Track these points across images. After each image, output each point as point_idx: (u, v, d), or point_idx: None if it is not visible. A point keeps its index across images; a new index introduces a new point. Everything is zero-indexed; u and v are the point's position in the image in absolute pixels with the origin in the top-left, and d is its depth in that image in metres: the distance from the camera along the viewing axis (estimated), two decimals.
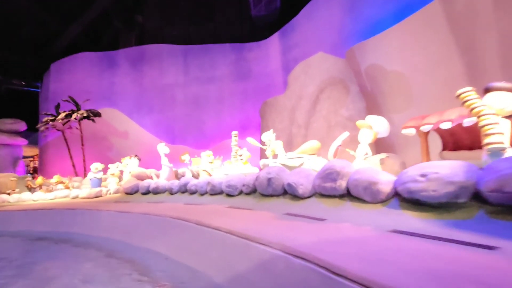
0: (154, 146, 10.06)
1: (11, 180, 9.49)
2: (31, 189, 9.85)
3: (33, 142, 17.70)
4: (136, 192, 6.99)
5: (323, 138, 7.20)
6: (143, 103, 14.24)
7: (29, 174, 14.73)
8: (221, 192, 5.11)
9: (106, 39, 17.22)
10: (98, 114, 12.02)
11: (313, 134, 8.30)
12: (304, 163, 5.95)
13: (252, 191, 4.52)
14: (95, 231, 5.18)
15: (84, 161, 11.99)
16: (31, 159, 20.08)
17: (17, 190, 9.31)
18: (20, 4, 15.98)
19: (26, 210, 6.54)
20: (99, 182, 9.23)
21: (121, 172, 9.60)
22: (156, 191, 6.43)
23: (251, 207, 3.94)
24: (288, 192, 3.78)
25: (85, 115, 11.43)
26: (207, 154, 7.79)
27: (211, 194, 5.20)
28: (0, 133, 12.75)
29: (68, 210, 5.91)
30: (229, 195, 4.83)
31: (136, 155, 10.13)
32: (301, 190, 3.45)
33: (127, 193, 7.08)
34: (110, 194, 8.38)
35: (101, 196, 8.04)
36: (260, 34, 13.92)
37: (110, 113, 13.66)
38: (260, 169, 6.67)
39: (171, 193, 6.15)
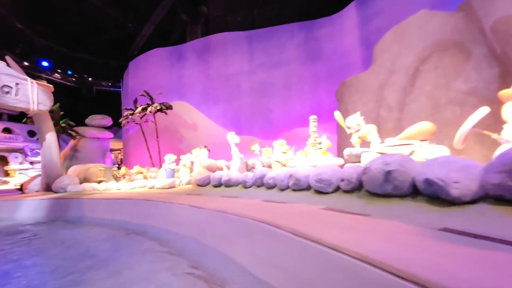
0: (222, 136, 9.63)
1: (100, 170, 10.37)
2: (116, 178, 10.66)
3: (120, 136, 19.91)
4: (207, 184, 6.56)
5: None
6: (210, 94, 14.20)
7: (115, 165, 16.43)
8: (307, 188, 4.11)
9: (175, 34, 17.93)
10: (170, 107, 12.36)
11: (411, 117, 6.56)
12: (416, 151, 4.49)
13: (355, 188, 3.38)
14: (167, 225, 4.82)
15: (159, 152, 12.53)
16: (118, 151, 22.72)
17: (105, 179, 10.13)
18: (104, 11, 17.77)
19: (109, 199, 6.76)
20: (172, 173, 9.30)
21: (192, 163, 9.52)
22: (229, 184, 5.83)
23: (359, 211, 2.83)
24: (423, 193, 2.54)
25: (158, 108, 11.84)
26: (280, 143, 6.87)
27: (294, 190, 4.25)
28: (91, 128, 14.43)
29: (144, 201, 5.77)
30: (319, 191, 3.79)
31: (205, 146, 9.93)
32: (456, 191, 2.18)
33: (198, 185, 6.72)
34: (182, 185, 8.27)
35: (174, 187, 7.97)
36: (332, 7, 12.25)
37: (180, 106, 14.03)
38: (345, 160, 5.44)
39: (245, 187, 5.44)
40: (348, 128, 5.69)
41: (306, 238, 2.19)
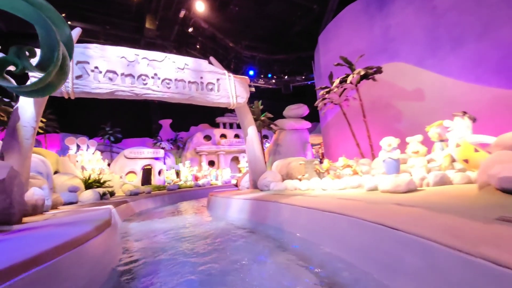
0: (479, 98, 4.50)
1: (300, 164, 8.45)
2: (319, 174, 8.38)
3: (319, 131, 18.54)
4: None
5: None
6: (441, 36, 8.73)
7: (317, 158, 14.75)
8: None
9: None
10: (378, 70, 8.49)
11: None
12: None
13: None
14: None
15: (369, 137, 8.96)
16: (319, 146, 21.57)
17: (306, 175, 8.08)
18: (291, 1, 17.09)
19: (312, 209, 4.11)
20: (396, 165, 5.45)
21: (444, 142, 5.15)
22: None
23: None
24: None
25: (362, 73, 8.34)
26: None
27: None
28: (289, 119, 13.55)
29: (401, 233, 2.43)
30: None
31: (464, 112, 5.20)
32: None
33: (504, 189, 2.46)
34: (429, 186, 4.25)
35: (415, 189, 4.09)
36: None
37: (391, 70, 9.70)
38: None
39: None
40: None
41: None
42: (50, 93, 4.26)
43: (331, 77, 10.09)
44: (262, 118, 12.72)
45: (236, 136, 29.60)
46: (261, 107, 12.88)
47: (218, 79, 8.69)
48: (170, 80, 7.86)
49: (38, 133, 19.05)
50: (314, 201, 4.64)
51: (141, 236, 5.52)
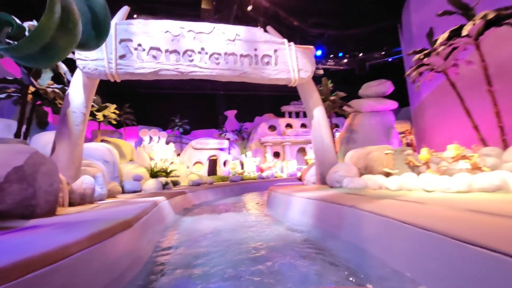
0: None
1: (386, 154, 6.23)
2: (413, 168, 6.04)
3: (404, 117, 15.03)
4: None
5: None
6: None
7: (408, 147, 11.66)
8: None
9: None
10: None
11: None
12: None
13: None
14: None
15: (497, 115, 6.05)
16: (403, 135, 17.78)
17: (396, 170, 5.85)
18: None
19: (436, 234, 2.19)
20: None
21: None
22: None
23: None
24: None
25: (491, 17, 5.48)
26: None
27: None
28: (367, 99, 10.90)
29: None
30: None
31: None
32: None
33: None
34: None
35: None
36: None
37: None
38: None
39: None
40: None
41: None
42: (56, 59, 3.44)
43: (430, 35, 7.30)
44: (332, 97, 10.43)
45: (303, 125, 27.55)
46: (330, 85, 10.68)
47: (275, 50, 7.12)
48: (219, 54, 6.69)
49: (119, 126, 21.25)
50: (423, 213, 2.70)
51: (182, 238, 4.52)
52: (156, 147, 15.92)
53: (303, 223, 4.98)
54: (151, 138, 17.96)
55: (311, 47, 7.64)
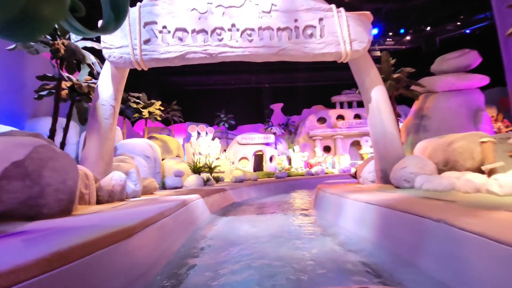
0: None
1: (483, 142, 4.45)
2: None
3: (487, 101, 11.88)
4: None
5: None
6: None
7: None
8: None
9: None
10: None
11: None
12: None
13: None
14: None
15: None
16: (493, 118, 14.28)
17: (500, 163, 4.07)
18: None
19: None
20: None
21: None
22: None
23: None
24: None
25: None
26: None
27: None
28: (442, 76, 8.54)
29: None
30: None
31: None
32: None
33: None
34: None
35: None
36: None
37: None
38: None
39: None
40: None
41: None
42: (39, 31, 2.93)
43: None
44: (396, 75, 8.33)
45: (357, 116, 24.98)
46: (392, 61, 8.67)
47: (321, 19, 5.81)
48: (252, 30, 5.69)
49: (168, 123, 22.05)
50: None
51: (209, 249, 3.72)
52: (201, 143, 15.82)
53: (361, 237, 3.72)
54: (199, 134, 18.05)
55: (367, 12, 6.10)
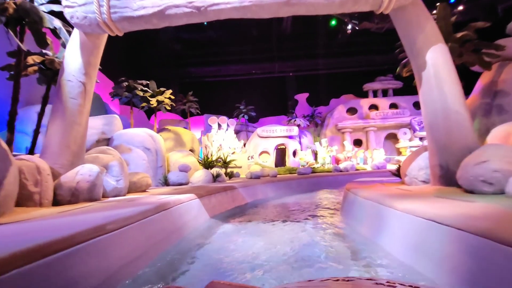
0: None
1: None
2: None
3: None
4: None
5: None
6: None
7: None
8: None
9: None
10: None
11: None
12: None
13: None
14: None
15: None
16: None
17: None
18: None
19: None
20: None
21: None
22: None
23: None
24: None
25: None
26: None
27: None
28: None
29: None
30: None
31: None
32: None
33: None
34: None
35: None
36: None
37: None
38: None
39: None
40: None
41: None
42: None
43: None
44: (461, 34, 6.06)
45: (393, 106, 22.22)
46: (453, 18, 6.45)
47: None
48: None
49: (185, 115, 21.18)
50: None
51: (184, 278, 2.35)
52: (214, 135, 14.61)
53: (419, 275, 2.08)
54: (219, 126, 16.89)
55: None
